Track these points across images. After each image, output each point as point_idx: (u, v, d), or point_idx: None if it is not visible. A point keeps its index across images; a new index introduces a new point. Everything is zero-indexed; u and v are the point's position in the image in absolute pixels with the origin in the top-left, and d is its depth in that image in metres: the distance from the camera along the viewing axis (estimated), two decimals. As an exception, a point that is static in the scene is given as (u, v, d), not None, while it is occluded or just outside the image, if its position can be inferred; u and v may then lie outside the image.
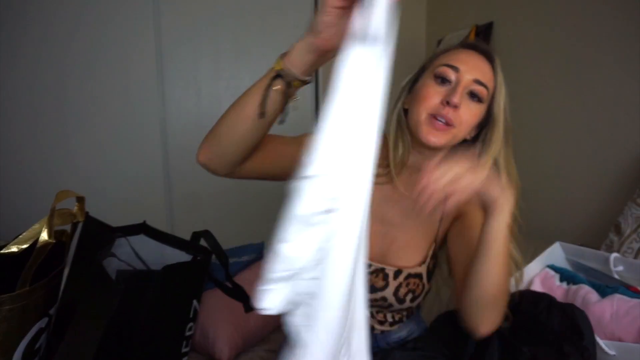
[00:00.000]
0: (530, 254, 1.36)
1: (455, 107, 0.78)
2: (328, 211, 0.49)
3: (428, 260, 0.89)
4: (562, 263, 1.09)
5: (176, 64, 2.08)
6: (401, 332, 0.99)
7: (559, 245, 1.10)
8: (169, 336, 0.87)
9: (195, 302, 0.90)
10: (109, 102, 1.99)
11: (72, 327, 0.78)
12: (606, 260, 0.99)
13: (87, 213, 0.92)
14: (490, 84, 0.82)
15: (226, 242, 1.10)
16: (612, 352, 0.79)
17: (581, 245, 1.10)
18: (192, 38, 2.09)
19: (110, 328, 0.72)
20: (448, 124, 0.78)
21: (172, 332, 0.87)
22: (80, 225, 0.91)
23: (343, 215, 0.50)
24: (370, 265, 0.88)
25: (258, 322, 1.32)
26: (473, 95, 0.80)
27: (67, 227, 0.91)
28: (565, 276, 1.01)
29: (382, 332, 0.97)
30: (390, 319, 0.96)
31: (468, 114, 0.80)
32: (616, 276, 0.96)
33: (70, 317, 0.79)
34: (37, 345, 0.82)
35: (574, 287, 0.96)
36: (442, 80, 0.81)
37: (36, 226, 0.81)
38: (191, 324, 0.91)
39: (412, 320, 1.02)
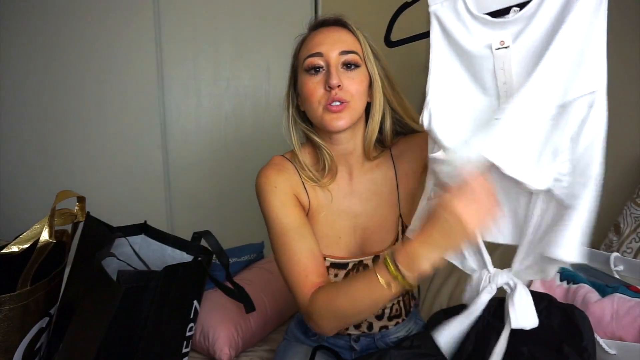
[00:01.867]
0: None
1: (338, 86, 0.80)
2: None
3: (400, 236, 0.90)
4: (562, 263, 1.09)
5: (176, 64, 2.08)
6: (400, 333, 0.99)
7: (559, 245, 1.09)
8: (169, 336, 0.87)
9: (195, 302, 0.90)
10: (109, 103, 1.99)
11: (72, 327, 0.78)
12: (606, 260, 0.99)
13: (87, 213, 0.92)
14: (355, 47, 0.84)
15: (226, 242, 1.10)
16: (612, 352, 0.79)
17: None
18: (192, 38, 2.09)
19: (111, 328, 0.72)
20: (342, 102, 0.81)
21: (173, 332, 0.87)
22: (81, 225, 0.91)
23: None
24: (347, 264, 0.89)
25: (258, 322, 1.32)
26: (348, 65, 0.83)
27: (68, 227, 0.91)
28: (566, 276, 1.01)
29: (381, 329, 0.97)
30: (387, 312, 0.96)
31: (353, 83, 0.83)
32: (616, 276, 0.97)
33: (70, 317, 0.79)
34: (37, 345, 0.82)
35: (574, 286, 0.96)
36: (315, 70, 0.83)
37: (37, 226, 0.81)
38: (192, 324, 0.91)
39: (411, 320, 1.02)
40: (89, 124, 1.98)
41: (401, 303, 0.98)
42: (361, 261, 0.90)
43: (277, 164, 0.90)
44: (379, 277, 0.70)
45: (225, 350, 1.21)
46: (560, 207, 0.62)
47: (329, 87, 0.81)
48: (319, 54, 0.83)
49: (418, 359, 0.83)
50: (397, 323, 0.99)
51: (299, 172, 0.90)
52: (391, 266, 0.69)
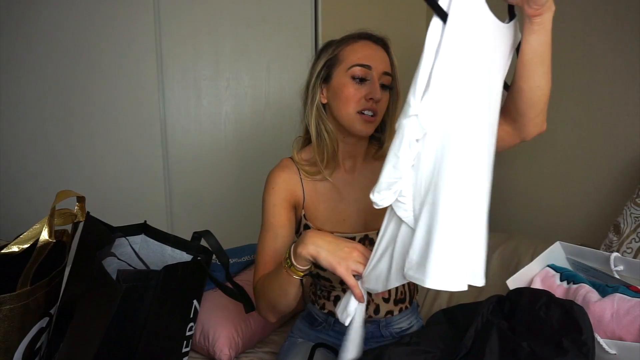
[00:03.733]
0: (530, 254, 1.36)
1: (379, 101, 0.93)
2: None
3: None
4: (563, 262, 1.09)
5: (176, 64, 2.08)
6: (402, 323, 1.05)
7: (559, 244, 1.10)
8: (169, 336, 0.87)
9: (195, 302, 0.90)
10: (108, 102, 1.99)
11: (72, 327, 0.78)
12: (606, 260, 0.99)
13: (87, 213, 0.92)
14: (391, 70, 0.97)
15: (226, 242, 1.10)
16: (612, 351, 0.79)
17: (581, 245, 1.10)
18: (192, 38, 2.09)
19: (111, 328, 0.72)
20: (374, 115, 0.94)
21: (173, 332, 0.87)
22: (81, 225, 0.91)
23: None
24: (354, 238, 0.99)
25: (258, 323, 1.32)
26: (385, 86, 0.96)
27: (68, 227, 0.91)
28: (566, 275, 1.01)
29: (386, 315, 1.03)
30: (394, 294, 1.03)
31: (384, 101, 0.96)
32: (616, 276, 0.96)
33: (70, 316, 0.79)
34: (37, 345, 0.82)
35: (574, 286, 0.96)
36: (361, 80, 0.94)
37: (37, 226, 0.81)
38: (192, 324, 0.91)
39: (413, 313, 1.08)
40: (89, 124, 1.98)
41: (406, 287, 1.05)
42: (367, 235, 0.99)
43: (282, 166, 1.03)
44: (282, 262, 0.83)
45: (225, 350, 1.21)
46: (410, 232, 0.64)
47: (370, 98, 0.92)
48: (369, 67, 0.93)
49: (417, 356, 0.83)
50: (401, 309, 1.04)
51: (299, 171, 1.02)
52: (287, 252, 0.82)
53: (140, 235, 1.03)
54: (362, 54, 0.94)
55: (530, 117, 0.75)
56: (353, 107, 0.93)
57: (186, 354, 0.92)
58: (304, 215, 1.01)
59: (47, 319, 0.83)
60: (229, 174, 2.22)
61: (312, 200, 1.02)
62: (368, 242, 0.98)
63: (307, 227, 1.01)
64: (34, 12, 1.84)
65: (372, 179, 1.01)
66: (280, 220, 0.99)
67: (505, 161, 1.80)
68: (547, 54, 0.69)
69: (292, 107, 2.21)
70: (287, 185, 1.01)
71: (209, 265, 0.95)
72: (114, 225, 0.95)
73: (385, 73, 0.95)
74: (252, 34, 2.16)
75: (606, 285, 0.92)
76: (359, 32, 0.99)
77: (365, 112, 0.93)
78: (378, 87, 0.93)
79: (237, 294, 0.99)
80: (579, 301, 0.90)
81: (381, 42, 0.98)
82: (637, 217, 1.27)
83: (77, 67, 1.92)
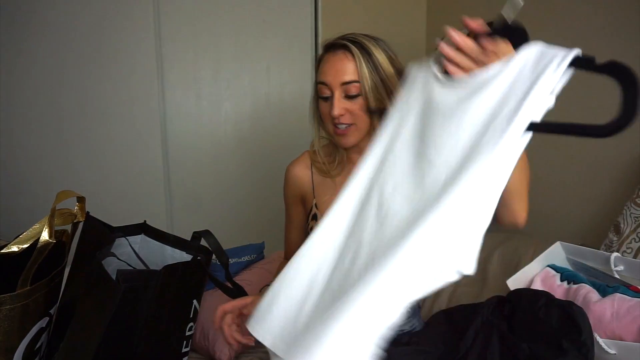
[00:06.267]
0: (530, 254, 1.36)
1: (340, 116, 0.90)
2: None
3: None
4: (563, 263, 1.09)
5: (176, 64, 2.08)
6: (405, 327, 1.02)
7: (560, 245, 1.10)
8: (169, 336, 0.87)
9: (195, 302, 0.90)
10: (109, 102, 1.99)
11: (72, 326, 0.78)
12: (607, 260, 0.99)
13: (87, 213, 0.92)
14: (355, 76, 0.90)
15: (226, 242, 1.10)
16: (612, 351, 0.79)
17: (581, 245, 1.10)
18: (192, 38, 2.09)
19: (111, 328, 0.72)
20: (348, 125, 0.92)
21: (173, 332, 0.87)
22: (80, 225, 0.92)
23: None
24: None
25: (258, 322, 1.32)
26: (349, 96, 0.91)
27: (68, 227, 0.91)
28: (566, 276, 1.01)
29: None
30: None
31: (355, 108, 0.91)
32: (616, 276, 0.96)
33: (70, 316, 0.79)
34: (37, 345, 0.82)
35: (574, 286, 0.96)
36: (323, 97, 0.94)
37: (37, 226, 0.81)
38: (191, 324, 0.91)
39: (414, 316, 1.05)
40: (89, 124, 1.98)
41: None
42: None
43: (299, 159, 1.09)
44: None
45: (225, 350, 1.21)
46: None
47: (332, 117, 0.91)
48: (325, 84, 0.92)
49: (416, 356, 0.83)
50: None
51: (312, 164, 1.07)
52: None
53: (140, 235, 1.04)
54: (322, 70, 0.93)
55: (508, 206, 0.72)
56: (329, 123, 0.95)
57: (186, 354, 0.92)
58: (315, 204, 1.05)
59: (47, 319, 0.83)
60: (229, 173, 2.22)
61: (320, 191, 1.06)
62: None
63: (315, 216, 1.03)
64: (34, 14, 1.84)
65: None
66: (291, 214, 1.12)
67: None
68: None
69: (292, 107, 2.21)
70: (297, 180, 1.07)
71: (209, 265, 0.95)
72: (114, 225, 0.95)
73: (346, 82, 0.89)
74: (252, 34, 2.16)
75: (606, 285, 0.92)
76: (324, 43, 0.97)
77: (338, 127, 0.93)
78: (336, 103, 0.90)
79: (237, 294, 0.99)
80: (579, 301, 0.90)
81: (343, 47, 0.91)
82: (637, 217, 1.27)
83: (77, 67, 1.92)
